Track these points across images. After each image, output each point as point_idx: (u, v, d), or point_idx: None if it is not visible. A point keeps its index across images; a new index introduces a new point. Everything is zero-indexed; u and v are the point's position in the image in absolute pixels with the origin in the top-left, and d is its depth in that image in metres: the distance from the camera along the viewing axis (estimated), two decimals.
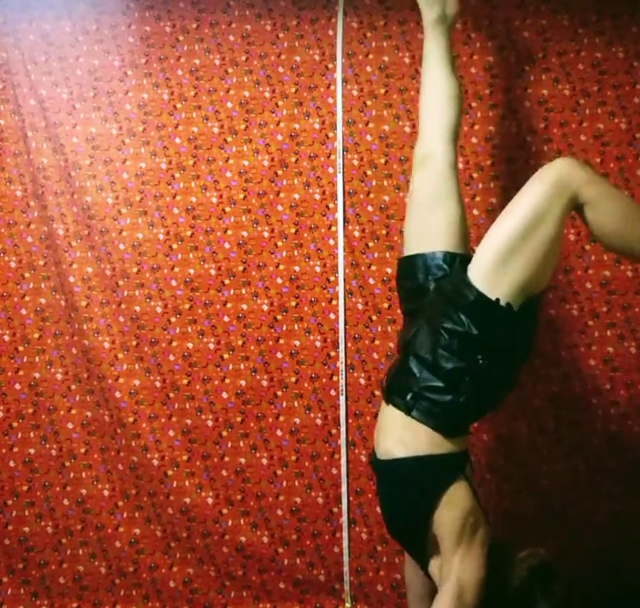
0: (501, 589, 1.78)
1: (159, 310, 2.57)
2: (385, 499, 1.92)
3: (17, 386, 2.58)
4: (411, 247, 2.00)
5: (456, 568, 1.73)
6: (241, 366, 2.56)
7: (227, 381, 2.56)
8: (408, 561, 2.10)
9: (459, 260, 1.89)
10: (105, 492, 2.57)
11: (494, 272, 1.74)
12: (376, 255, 2.54)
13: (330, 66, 2.56)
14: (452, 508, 1.75)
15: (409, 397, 1.81)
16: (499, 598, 1.78)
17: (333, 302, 2.55)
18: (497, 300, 1.74)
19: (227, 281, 2.57)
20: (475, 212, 2.51)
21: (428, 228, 1.97)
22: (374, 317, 2.54)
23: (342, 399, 2.53)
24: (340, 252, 2.54)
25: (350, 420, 2.53)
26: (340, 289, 2.54)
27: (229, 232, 2.57)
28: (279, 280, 2.56)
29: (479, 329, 1.76)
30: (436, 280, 1.91)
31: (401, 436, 1.82)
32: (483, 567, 1.74)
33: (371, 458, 1.98)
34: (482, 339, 1.76)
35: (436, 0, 2.10)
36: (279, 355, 2.56)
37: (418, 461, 1.79)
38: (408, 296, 2.02)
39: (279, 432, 2.55)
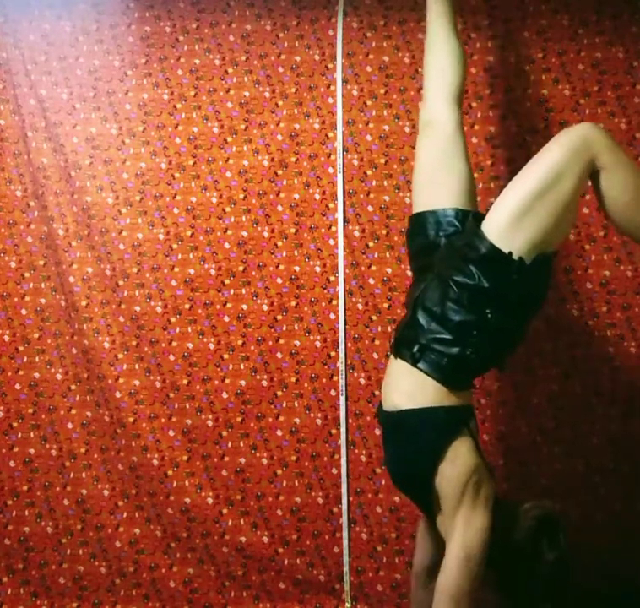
0: (507, 540, 1.78)
1: (159, 310, 2.57)
2: (390, 451, 1.92)
3: (17, 386, 2.58)
4: (420, 205, 2.00)
5: (460, 529, 1.73)
6: (241, 366, 2.56)
7: (227, 381, 2.56)
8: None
9: (473, 216, 1.90)
10: (105, 492, 2.57)
11: (508, 228, 1.75)
12: (376, 255, 2.54)
13: (330, 66, 2.56)
14: (456, 464, 1.75)
15: (416, 349, 1.81)
16: (506, 549, 1.78)
17: (333, 302, 2.55)
18: (510, 253, 1.74)
19: (227, 281, 2.57)
20: None
21: (437, 188, 1.97)
22: (374, 317, 2.54)
23: (342, 399, 2.53)
24: (340, 252, 2.54)
25: (350, 420, 2.53)
26: (340, 289, 2.54)
27: (229, 232, 2.57)
28: (279, 280, 2.56)
29: (489, 282, 1.76)
30: (447, 236, 1.92)
31: (407, 388, 1.82)
32: (488, 523, 1.74)
33: (377, 411, 1.98)
34: (492, 292, 1.76)
35: None
36: (279, 355, 2.56)
37: (423, 413, 1.79)
38: (418, 253, 2.02)
39: (279, 432, 2.55)
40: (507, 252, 1.74)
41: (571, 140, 1.75)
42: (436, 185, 1.98)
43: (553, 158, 1.75)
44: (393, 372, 1.89)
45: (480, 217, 1.85)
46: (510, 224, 1.75)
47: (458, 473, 1.75)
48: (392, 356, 1.91)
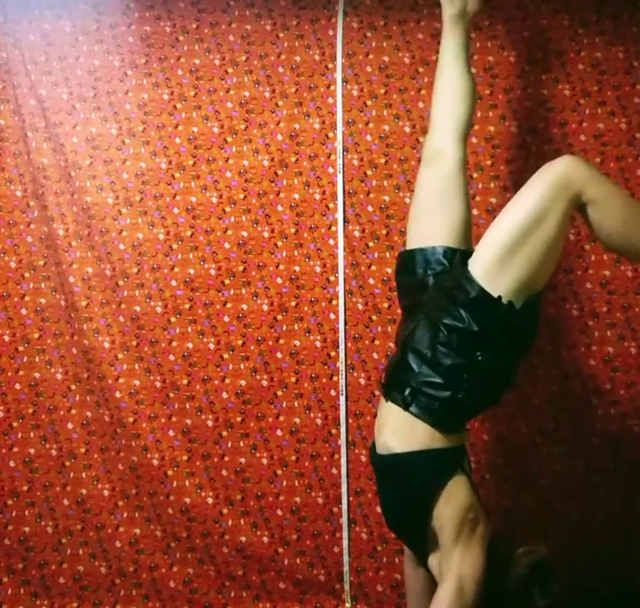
0: (499, 584, 1.78)
1: (159, 310, 2.57)
2: (384, 494, 1.92)
3: (17, 386, 2.58)
4: (412, 242, 2.00)
5: (456, 563, 1.73)
6: (241, 366, 2.56)
7: (227, 381, 2.56)
8: (407, 559, 2.10)
9: (460, 255, 1.88)
10: (105, 492, 2.57)
11: (495, 268, 1.73)
12: (376, 255, 2.54)
13: (330, 66, 2.56)
14: (452, 503, 1.75)
15: (407, 392, 1.81)
16: (498, 594, 1.78)
17: (333, 302, 2.55)
18: (500, 297, 1.73)
19: (227, 281, 2.57)
20: (475, 212, 2.51)
21: (431, 224, 1.97)
22: (374, 317, 2.54)
23: (342, 399, 2.53)
24: (340, 252, 2.54)
25: (350, 420, 2.53)
26: (340, 289, 2.54)
27: (229, 232, 2.57)
28: (279, 280, 2.56)
29: (479, 326, 1.75)
30: (435, 275, 1.92)
31: (399, 431, 1.82)
32: (483, 562, 1.74)
33: (370, 453, 1.98)
34: (482, 336, 1.76)
35: None
36: (279, 355, 2.56)
37: (416, 456, 1.79)
38: (406, 291, 2.02)
39: (279, 432, 2.55)
40: (496, 295, 1.73)
41: (553, 177, 1.72)
42: (432, 222, 1.97)
43: (535, 197, 1.72)
44: (385, 415, 1.88)
45: (466, 255, 1.83)
46: (496, 264, 1.73)
47: (453, 512, 1.75)
48: (382, 399, 1.91)
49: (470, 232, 2.01)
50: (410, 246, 2.00)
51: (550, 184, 1.72)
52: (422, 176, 2.03)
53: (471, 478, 1.84)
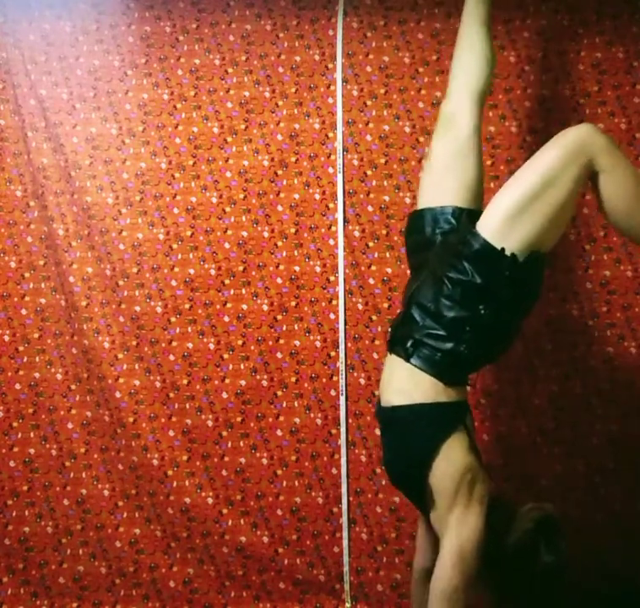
0: (504, 541, 1.78)
1: (159, 310, 2.57)
2: (386, 447, 1.93)
3: (17, 386, 2.58)
4: (423, 202, 2.01)
5: (454, 527, 1.74)
6: (241, 366, 2.56)
7: (227, 381, 2.56)
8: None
9: (467, 214, 1.90)
10: (105, 492, 2.57)
11: (502, 226, 1.75)
12: (376, 255, 2.54)
13: (330, 66, 2.56)
14: (450, 461, 1.76)
15: (409, 344, 1.82)
16: (503, 550, 1.78)
17: (333, 302, 2.55)
18: (503, 249, 1.75)
19: (227, 281, 2.57)
20: None
21: (443, 185, 1.98)
22: (374, 317, 2.54)
23: (342, 399, 2.53)
24: (340, 252, 2.54)
25: (350, 420, 2.53)
26: (340, 289, 2.54)
27: (229, 232, 2.57)
28: (279, 280, 2.56)
29: (482, 278, 1.76)
30: (442, 234, 1.93)
31: (402, 384, 1.83)
32: (481, 521, 1.74)
33: (375, 406, 1.98)
34: (485, 289, 1.77)
35: None
36: (279, 355, 2.56)
37: (417, 409, 1.80)
38: (415, 250, 2.03)
39: (279, 432, 2.55)
40: (499, 248, 1.75)
41: (569, 142, 1.75)
42: (445, 183, 1.98)
43: (550, 159, 1.75)
44: (389, 369, 1.90)
45: (475, 214, 1.86)
46: (504, 223, 1.75)
47: (452, 471, 1.75)
48: (388, 353, 1.93)
49: (482, 193, 2.02)
50: (421, 205, 2.02)
51: (564, 148, 1.74)
52: (437, 139, 2.04)
53: (472, 436, 1.84)
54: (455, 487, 1.74)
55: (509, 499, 1.93)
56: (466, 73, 2.05)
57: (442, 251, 1.89)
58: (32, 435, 2.58)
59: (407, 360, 1.82)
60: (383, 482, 2.50)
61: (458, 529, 1.73)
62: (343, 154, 2.55)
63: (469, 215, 1.88)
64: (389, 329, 1.98)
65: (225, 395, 2.55)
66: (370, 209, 2.55)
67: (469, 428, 1.84)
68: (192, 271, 2.57)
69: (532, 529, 1.79)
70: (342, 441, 2.53)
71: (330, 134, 2.56)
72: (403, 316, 1.91)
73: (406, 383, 1.82)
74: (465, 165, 1.97)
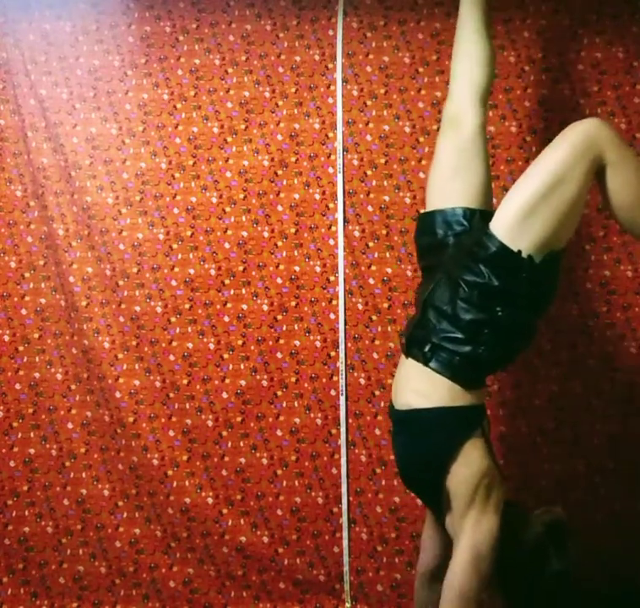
0: (514, 544, 1.78)
1: (159, 310, 2.57)
2: (401, 449, 1.91)
3: (17, 386, 2.58)
4: (432, 204, 2.00)
5: (470, 530, 1.73)
6: (241, 366, 2.56)
7: (227, 381, 2.56)
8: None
9: (480, 215, 1.89)
10: (105, 492, 2.57)
11: (516, 226, 1.74)
12: (376, 255, 2.54)
13: (330, 66, 2.56)
14: (468, 465, 1.75)
15: (427, 348, 1.81)
16: (512, 553, 1.78)
17: (333, 302, 2.55)
18: (519, 251, 1.74)
19: (227, 281, 2.57)
20: None
21: (451, 186, 1.97)
22: (374, 317, 2.54)
23: (342, 399, 2.53)
24: (340, 252, 2.54)
25: (350, 420, 2.53)
26: (340, 289, 2.54)
27: (229, 232, 2.57)
28: (279, 280, 2.56)
29: (499, 281, 1.76)
30: (455, 236, 1.91)
31: (420, 387, 1.82)
32: (497, 526, 1.74)
33: (388, 408, 1.97)
34: (502, 291, 1.76)
35: None
36: (279, 355, 2.56)
37: (436, 412, 1.79)
38: (426, 252, 2.01)
39: (279, 432, 2.55)
40: (516, 250, 1.74)
41: (577, 137, 1.75)
42: (453, 185, 1.97)
43: (560, 156, 1.74)
44: (405, 371, 1.88)
45: (487, 215, 1.85)
46: (518, 222, 1.74)
47: (469, 474, 1.75)
48: (403, 356, 1.91)
49: (491, 194, 2.01)
50: (430, 207, 2.00)
51: (573, 144, 1.74)
52: (442, 142, 2.03)
53: (489, 440, 1.83)
54: (473, 491, 1.74)
55: (521, 503, 1.93)
56: (466, 74, 2.04)
57: (456, 253, 1.87)
58: (32, 435, 2.58)
59: (426, 364, 1.81)
60: (383, 482, 2.51)
61: (474, 531, 1.73)
62: (343, 154, 2.55)
63: (482, 216, 1.87)
64: (404, 331, 1.96)
65: (225, 395, 2.56)
66: (370, 208, 2.55)
67: (486, 431, 1.83)
68: (192, 271, 2.57)
69: (542, 533, 1.79)
70: (342, 441, 2.53)
71: (330, 134, 2.56)
72: (418, 318, 1.90)
73: (424, 386, 1.81)
74: (473, 165, 1.96)
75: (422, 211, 2.03)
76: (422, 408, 1.80)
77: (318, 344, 2.55)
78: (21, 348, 2.59)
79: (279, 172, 2.57)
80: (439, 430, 1.79)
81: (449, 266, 1.86)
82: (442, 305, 1.82)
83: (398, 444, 1.93)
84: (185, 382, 2.56)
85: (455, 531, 1.78)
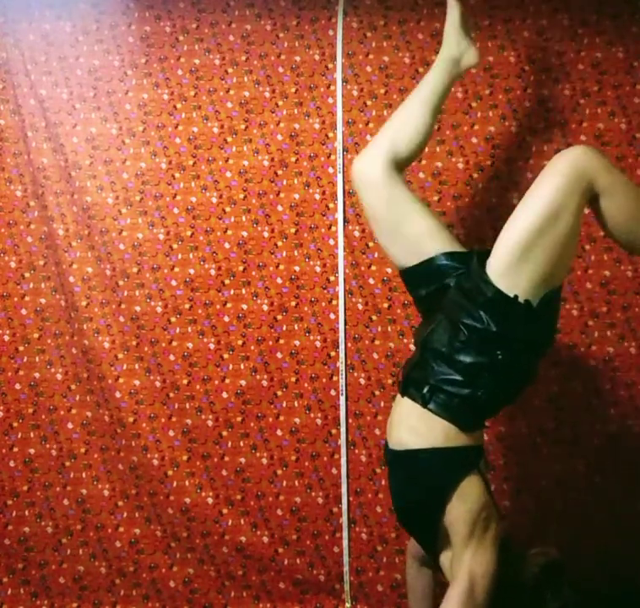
0: (511, 585, 1.77)
1: (159, 310, 2.57)
2: (397, 489, 1.91)
3: (17, 386, 2.58)
4: (405, 260, 1.94)
5: (467, 562, 1.72)
6: (241, 366, 2.56)
7: (227, 381, 2.56)
8: (409, 559, 2.10)
9: (477, 256, 1.84)
10: (105, 492, 2.57)
11: (512, 268, 1.72)
12: (376, 255, 2.54)
13: (330, 66, 2.56)
14: (465, 502, 1.74)
15: (426, 389, 1.80)
16: (509, 594, 1.77)
17: (333, 302, 2.55)
18: (516, 297, 1.72)
19: (227, 281, 2.57)
20: (476, 212, 2.51)
21: (410, 242, 1.92)
22: (374, 317, 2.54)
23: (342, 399, 2.53)
24: (340, 252, 2.54)
25: (350, 420, 2.53)
26: (340, 289, 2.54)
27: (229, 232, 2.57)
28: (279, 280, 2.56)
29: (498, 326, 1.74)
30: (454, 278, 1.88)
31: (416, 427, 1.81)
32: (495, 562, 1.73)
33: (383, 449, 1.96)
34: (502, 336, 1.75)
35: (465, 42, 2.04)
36: (279, 355, 2.56)
37: (432, 453, 1.78)
38: (424, 299, 1.97)
39: (279, 432, 2.55)
40: (512, 295, 1.72)
41: (566, 168, 1.70)
42: (408, 240, 1.91)
43: (551, 191, 1.70)
44: (401, 411, 1.87)
45: (483, 255, 1.81)
46: (513, 265, 1.72)
47: (467, 510, 1.74)
48: (399, 395, 1.90)
49: (446, 228, 1.96)
50: (407, 264, 1.94)
51: (564, 177, 1.69)
52: (365, 206, 1.99)
53: (486, 477, 1.83)
54: (471, 525, 1.73)
55: (516, 540, 1.92)
56: (392, 134, 1.96)
57: (456, 296, 1.84)
58: (32, 435, 2.58)
59: (424, 405, 1.79)
60: (383, 482, 2.50)
61: (471, 562, 1.71)
62: (343, 154, 2.55)
63: (479, 256, 1.82)
64: (401, 370, 1.95)
65: (225, 395, 2.56)
66: None
67: (483, 471, 1.82)
68: (192, 271, 2.57)
69: (538, 574, 1.78)
70: (342, 441, 2.53)
71: (330, 134, 2.56)
72: (417, 359, 1.88)
73: (421, 426, 1.80)
74: (412, 217, 1.90)
75: (405, 267, 1.95)
76: (418, 448, 1.80)
77: (318, 344, 2.55)
78: (21, 348, 2.59)
79: (279, 172, 2.57)
80: (435, 470, 1.78)
81: (449, 308, 1.84)
82: (440, 347, 1.80)
83: (393, 483, 1.92)
84: (185, 382, 2.56)
85: (452, 567, 1.76)
